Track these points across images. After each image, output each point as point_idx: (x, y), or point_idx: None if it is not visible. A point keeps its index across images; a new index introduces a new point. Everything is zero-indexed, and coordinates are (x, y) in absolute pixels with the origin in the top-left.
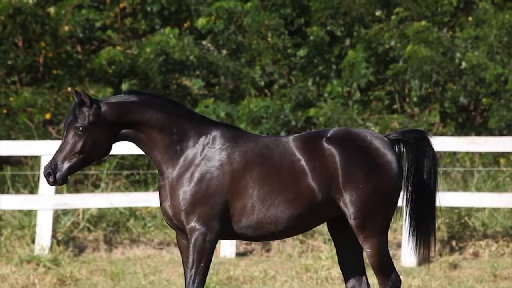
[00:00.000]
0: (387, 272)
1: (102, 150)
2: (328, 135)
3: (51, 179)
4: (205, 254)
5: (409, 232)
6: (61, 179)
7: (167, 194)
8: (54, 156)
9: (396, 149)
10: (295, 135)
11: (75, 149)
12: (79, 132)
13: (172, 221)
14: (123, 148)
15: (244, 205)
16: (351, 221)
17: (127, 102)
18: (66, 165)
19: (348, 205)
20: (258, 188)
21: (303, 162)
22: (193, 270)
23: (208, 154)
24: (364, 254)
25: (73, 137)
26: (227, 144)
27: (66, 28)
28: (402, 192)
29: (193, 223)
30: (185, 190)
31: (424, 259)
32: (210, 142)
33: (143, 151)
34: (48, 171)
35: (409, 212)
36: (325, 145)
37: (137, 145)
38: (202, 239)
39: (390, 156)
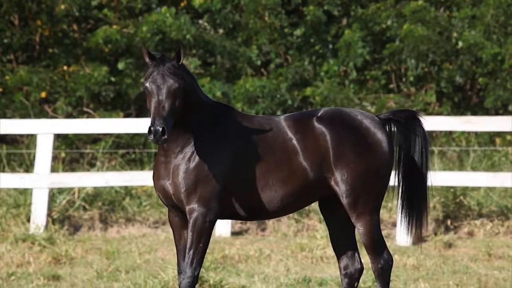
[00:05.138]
0: (379, 251)
1: (182, 110)
2: (319, 114)
3: (164, 136)
4: (204, 235)
5: (402, 211)
6: (168, 136)
7: (169, 172)
8: (157, 113)
9: (387, 129)
10: (286, 114)
11: (177, 107)
12: (180, 91)
13: (169, 200)
14: (118, 126)
15: (241, 185)
16: (343, 200)
17: (192, 76)
18: (170, 122)
19: (339, 184)
20: (255, 168)
21: (294, 141)
22: (192, 250)
23: (210, 134)
24: (357, 232)
25: (174, 96)
26: (227, 124)
27: (62, 6)
28: (394, 172)
29: (193, 203)
30: (188, 170)
31: (417, 238)
32: (211, 122)
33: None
34: (160, 127)
35: (401, 191)
36: (316, 124)
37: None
38: (202, 219)
39: (380, 135)
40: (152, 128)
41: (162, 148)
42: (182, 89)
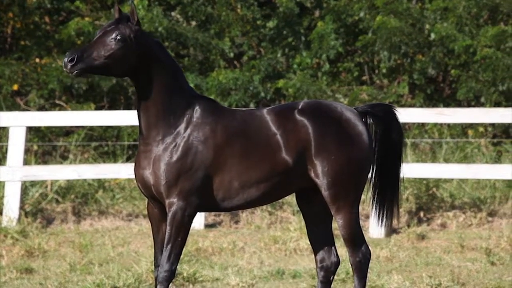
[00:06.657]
0: (358, 244)
1: (121, 68)
2: (300, 107)
3: (71, 63)
4: (183, 229)
5: (374, 203)
6: (78, 70)
7: (150, 161)
8: (82, 47)
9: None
10: (268, 108)
11: (105, 52)
12: (116, 40)
13: (148, 190)
14: (91, 119)
15: (222, 180)
16: (324, 192)
17: (161, 49)
18: (90, 60)
19: (320, 176)
20: (237, 162)
21: (278, 137)
22: (170, 244)
23: (194, 127)
24: (334, 225)
25: (109, 41)
26: (211, 118)
27: None
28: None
29: (173, 197)
30: (171, 163)
31: (388, 230)
32: (195, 115)
33: (140, 105)
34: (73, 55)
35: (374, 183)
36: (298, 117)
37: (138, 94)
38: (181, 213)
39: (361, 127)
40: (68, 52)
41: (142, 136)
42: (119, 43)
